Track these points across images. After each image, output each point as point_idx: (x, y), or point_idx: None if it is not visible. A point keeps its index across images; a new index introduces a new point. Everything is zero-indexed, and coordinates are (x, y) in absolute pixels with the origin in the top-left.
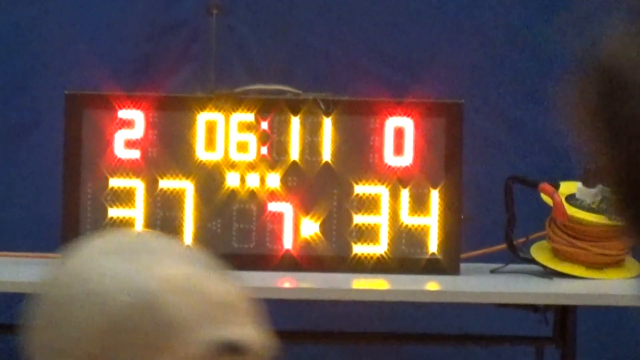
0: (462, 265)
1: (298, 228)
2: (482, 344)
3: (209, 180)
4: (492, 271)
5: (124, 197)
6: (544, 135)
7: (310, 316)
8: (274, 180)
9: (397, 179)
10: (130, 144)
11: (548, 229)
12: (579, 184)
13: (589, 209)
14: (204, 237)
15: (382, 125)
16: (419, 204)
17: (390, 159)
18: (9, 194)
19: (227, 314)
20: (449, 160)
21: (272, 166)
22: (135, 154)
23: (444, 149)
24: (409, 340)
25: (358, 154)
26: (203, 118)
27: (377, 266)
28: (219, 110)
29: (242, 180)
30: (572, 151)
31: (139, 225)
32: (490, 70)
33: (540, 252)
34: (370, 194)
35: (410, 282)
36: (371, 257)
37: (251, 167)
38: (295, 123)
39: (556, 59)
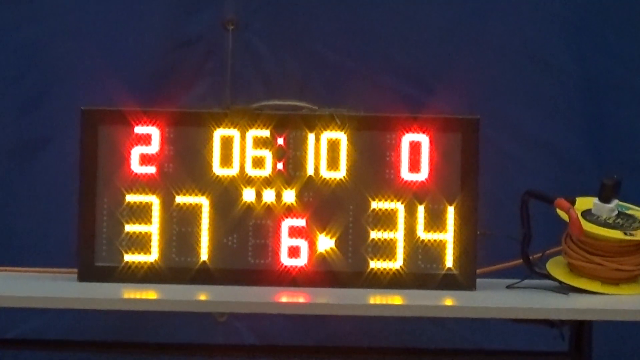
0: (478, 281)
1: (314, 243)
2: (498, 359)
3: (225, 196)
4: (508, 287)
5: (140, 213)
6: (560, 151)
7: (326, 331)
8: (290, 195)
9: (413, 195)
10: (146, 160)
11: (564, 244)
12: (595, 200)
13: (604, 225)
14: (219, 252)
15: (398, 141)
16: (435, 220)
17: (406, 174)
18: (24, 210)
19: None
20: (465, 175)
21: (288, 182)
22: (151, 170)
23: (460, 164)
24: (425, 356)
25: (374, 169)
26: (219, 134)
27: (393, 281)
28: (235, 126)
29: (258, 195)
30: (588, 166)
31: (155, 241)
32: (507, 86)
33: (556, 268)
34: (386, 210)
35: (426, 298)
36: (387, 273)
37: (267, 182)
38: (311, 139)
39: (572, 74)
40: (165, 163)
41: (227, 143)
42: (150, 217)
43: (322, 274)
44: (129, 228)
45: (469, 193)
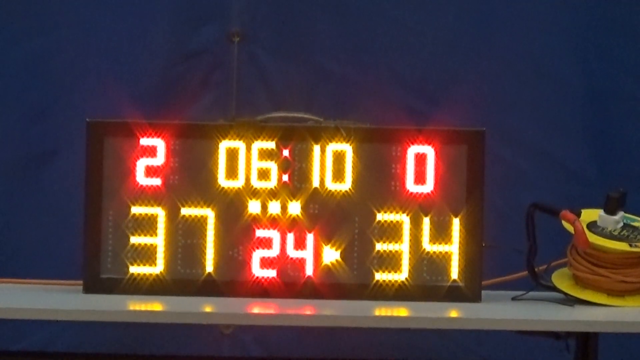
0: (484, 293)
1: (319, 255)
2: None
3: (230, 208)
4: (514, 298)
5: (146, 225)
6: (565, 163)
7: (332, 343)
8: (295, 207)
9: (418, 207)
10: (151, 172)
11: (569, 256)
12: (600, 212)
13: (610, 237)
14: (225, 264)
15: (403, 153)
16: (441, 232)
17: (411, 186)
18: (30, 222)
19: None
20: (471, 188)
21: (294, 194)
22: (156, 182)
23: (465, 176)
24: None
25: (379, 181)
26: (224, 145)
27: (399, 293)
28: (240, 138)
29: (264, 207)
30: (593, 178)
31: (161, 253)
32: (512, 98)
33: (561, 280)
34: (391, 222)
35: (431, 310)
36: (392, 285)
37: (272, 194)
38: (316, 151)
39: (578, 87)
40: (170, 175)
41: (232, 155)
42: (156, 229)
43: (328, 285)
44: (135, 240)
45: (474, 205)
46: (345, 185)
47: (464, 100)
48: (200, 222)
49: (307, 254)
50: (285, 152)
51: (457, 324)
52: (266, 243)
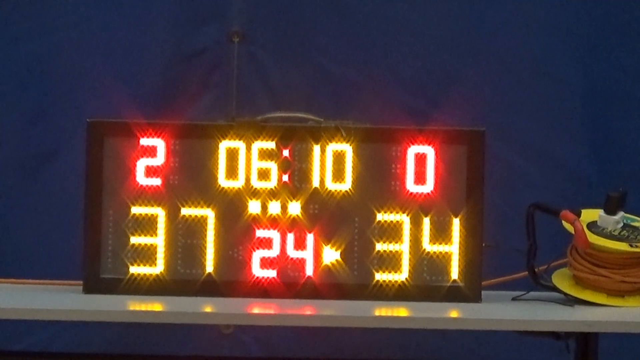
0: (484, 293)
1: (319, 255)
2: None
3: (230, 208)
4: (514, 299)
5: (146, 225)
6: (565, 163)
7: (331, 343)
8: (295, 207)
9: (418, 207)
10: (151, 172)
11: (569, 256)
12: (600, 212)
13: (610, 237)
14: (225, 264)
15: (403, 153)
16: (441, 232)
17: (411, 186)
18: (30, 222)
19: None
20: (471, 188)
21: (294, 194)
22: (156, 182)
23: (465, 176)
24: None
25: (379, 181)
26: (224, 146)
27: (399, 294)
28: (241, 138)
29: (264, 207)
30: (593, 179)
31: (161, 253)
32: (512, 98)
33: (561, 280)
34: (391, 222)
35: (431, 310)
36: (392, 285)
37: (272, 194)
38: (316, 151)
39: (578, 87)
40: (170, 175)
41: (232, 155)
42: (156, 229)
43: (328, 286)
44: (135, 240)
45: (474, 205)
46: (345, 185)
47: (464, 100)
48: (200, 222)
49: (307, 254)
50: (285, 152)
51: (457, 324)
52: (266, 243)
